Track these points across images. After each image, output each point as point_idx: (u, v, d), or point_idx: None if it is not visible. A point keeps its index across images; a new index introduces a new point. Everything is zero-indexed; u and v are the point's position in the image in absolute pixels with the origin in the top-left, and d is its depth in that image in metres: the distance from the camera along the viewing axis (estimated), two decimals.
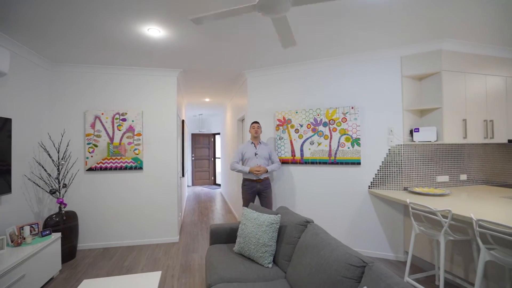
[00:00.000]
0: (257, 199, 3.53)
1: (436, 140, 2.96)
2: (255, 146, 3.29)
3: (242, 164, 3.29)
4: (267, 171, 3.20)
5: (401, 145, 3.13)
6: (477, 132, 3.03)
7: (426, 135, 2.99)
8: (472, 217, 1.86)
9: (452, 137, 2.94)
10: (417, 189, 2.91)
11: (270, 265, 2.12)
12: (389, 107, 3.17)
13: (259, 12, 1.70)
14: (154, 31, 2.54)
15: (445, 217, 2.20)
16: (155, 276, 1.90)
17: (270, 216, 2.25)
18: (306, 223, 2.11)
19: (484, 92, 3.07)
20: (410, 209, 2.44)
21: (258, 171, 3.12)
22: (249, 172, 3.17)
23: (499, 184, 3.43)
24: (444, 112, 2.91)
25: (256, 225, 2.24)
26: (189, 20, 2.31)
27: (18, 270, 2.21)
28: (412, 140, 3.08)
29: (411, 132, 3.12)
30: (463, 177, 3.31)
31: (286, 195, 3.61)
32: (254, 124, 3.31)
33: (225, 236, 2.62)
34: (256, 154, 3.23)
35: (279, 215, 2.27)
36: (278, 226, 2.23)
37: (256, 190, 3.21)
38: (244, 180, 3.26)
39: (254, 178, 3.19)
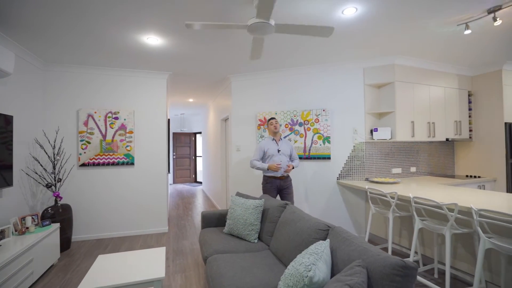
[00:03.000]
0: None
1: (391, 138, 3.58)
2: (276, 142, 3.27)
3: (264, 161, 3.24)
4: (293, 168, 3.20)
5: (363, 142, 3.72)
6: (422, 132, 3.71)
7: (383, 134, 3.60)
8: (410, 196, 2.44)
9: (403, 136, 3.57)
10: (375, 179, 3.50)
11: (256, 241, 2.55)
12: (354, 110, 3.75)
13: (248, 31, 2.13)
14: (152, 39, 2.86)
15: (392, 198, 2.78)
16: (161, 251, 2.25)
17: (255, 201, 2.68)
18: (285, 204, 2.57)
19: (428, 99, 3.75)
20: (368, 193, 3.01)
21: (288, 170, 3.13)
22: (268, 169, 3.14)
23: (440, 174, 4.16)
24: (396, 115, 3.54)
25: (244, 209, 2.66)
26: (185, 30, 2.67)
27: (27, 254, 2.43)
28: (372, 138, 3.68)
29: (371, 132, 3.72)
30: (413, 169, 3.99)
31: None
32: (272, 120, 3.27)
33: (215, 220, 3.01)
34: (279, 150, 3.21)
35: (263, 200, 2.72)
36: (262, 209, 2.67)
37: (278, 187, 3.21)
38: (267, 177, 3.22)
39: (278, 175, 3.17)
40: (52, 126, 3.60)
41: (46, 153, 3.35)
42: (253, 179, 4.12)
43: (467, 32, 2.47)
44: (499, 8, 2.16)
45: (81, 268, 2.89)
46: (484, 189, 3.71)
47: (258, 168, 3.20)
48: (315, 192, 3.86)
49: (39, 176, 3.29)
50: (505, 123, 3.74)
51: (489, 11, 2.23)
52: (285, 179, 3.23)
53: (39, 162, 3.29)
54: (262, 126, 4.06)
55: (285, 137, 3.95)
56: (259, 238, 2.63)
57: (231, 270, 1.91)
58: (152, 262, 2.04)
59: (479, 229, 1.92)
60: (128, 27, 2.57)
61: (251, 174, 4.13)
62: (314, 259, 1.38)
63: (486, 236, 1.95)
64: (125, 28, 2.58)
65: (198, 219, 4.80)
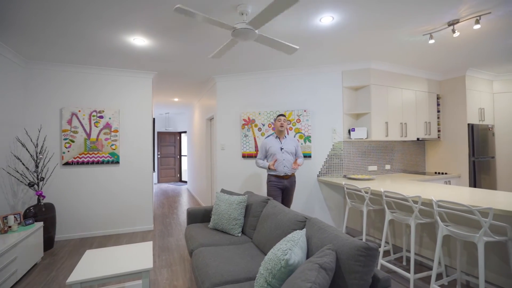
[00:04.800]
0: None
1: (367, 138, 3.83)
2: (280, 140, 3.20)
3: (266, 160, 3.19)
4: (299, 166, 3.13)
5: (341, 141, 3.95)
6: (395, 132, 3.99)
7: (359, 133, 3.84)
8: (382, 190, 2.67)
9: (378, 135, 3.83)
10: (352, 176, 3.73)
11: (239, 234, 2.69)
12: (333, 111, 3.97)
13: (232, 35, 2.26)
14: (139, 40, 2.93)
15: (366, 192, 3.01)
16: (148, 245, 2.33)
17: (239, 197, 2.82)
18: (267, 200, 2.72)
19: (400, 101, 4.04)
20: (345, 189, 3.22)
21: (294, 166, 3.06)
22: (269, 168, 3.08)
23: (412, 171, 4.48)
24: (372, 116, 3.79)
25: (228, 204, 2.79)
26: (171, 31, 2.75)
27: (11, 253, 2.43)
28: (350, 138, 3.92)
29: (349, 131, 3.95)
30: (388, 166, 4.28)
31: (252, 183, 4.21)
32: (280, 117, 3.17)
33: (201, 216, 3.12)
34: (282, 148, 3.13)
35: (246, 195, 2.86)
36: (245, 204, 2.80)
37: (283, 187, 3.12)
38: (270, 176, 3.15)
39: (281, 175, 3.10)
40: (34, 124, 3.56)
41: (28, 152, 3.32)
42: (238, 177, 4.25)
43: (431, 41, 2.73)
44: (457, 21, 2.42)
45: (65, 266, 2.91)
46: (450, 184, 4.04)
47: (261, 167, 3.16)
48: (296, 189, 4.05)
49: (21, 175, 3.26)
50: (468, 124, 4.09)
51: (449, 24, 2.49)
52: (289, 178, 3.14)
53: (21, 161, 3.25)
54: (246, 126, 4.20)
55: (267, 136, 4.09)
56: (243, 231, 2.77)
57: (215, 260, 2.04)
58: (139, 255, 2.13)
59: (438, 218, 2.16)
60: (115, 28, 2.63)
61: (236, 172, 4.26)
62: (291, 245, 1.54)
63: (444, 224, 2.19)
64: (112, 28, 2.64)
65: (183, 217, 4.87)
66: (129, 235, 3.88)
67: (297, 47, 2.54)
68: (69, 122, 3.66)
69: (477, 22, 2.33)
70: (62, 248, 3.40)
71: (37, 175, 3.34)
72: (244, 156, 4.19)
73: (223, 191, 3.19)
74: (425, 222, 2.38)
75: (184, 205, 5.95)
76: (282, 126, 3.16)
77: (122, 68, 3.92)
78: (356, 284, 1.33)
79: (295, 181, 3.25)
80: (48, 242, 3.34)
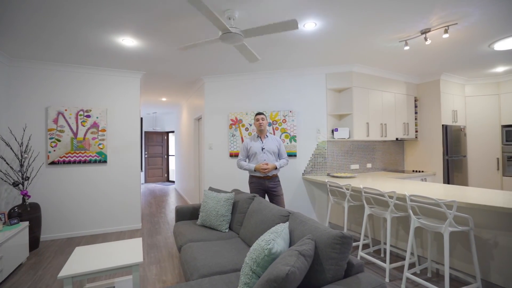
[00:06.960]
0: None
1: (349, 137, 4.01)
2: (261, 140, 3.10)
3: (249, 160, 3.10)
4: (275, 168, 2.97)
5: (325, 141, 4.12)
6: (376, 132, 4.20)
7: (342, 133, 4.02)
8: (361, 186, 2.84)
9: (359, 135, 4.03)
10: (336, 174, 3.91)
11: (226, 230, 2.79)
12: (317, 111, 4.13)
13: (222, 42, 2.37)
14: (127, 41, 2.97)
15: (347, 189, 3.18)
16: (138, 241, 2.39)
17: (226, 194, 2.91)
18: (253, 197, 2.84)
19: (381, 103, 4.26)
20: (328, 186, 3.39)
21: (265, 169, 2.90)
22: (255, 170, 2.99)
23: (392, 170, 4.72)
24: (354, 116, 3.98)
25: (216, 201, 2.88)
26: (160, 32, 2.81)
27: None
28: (333, 138, 4.09)
29: (332, 131, 4.13)
30: (369, 165, 4.49)
31: (239, 181, 4.31)
32: (257, 116, 3.07)
33: (189, 214, 3.20)
34: (263, 148, 3.03)
35: (233, 193, 2.96)
36: (232, 201, 2.91)
37: (265, 188, 3.04)
38: (251, 177, 3.08)
39: (262, 175, 3.00)
40: (19, 123, 3.52)
41: (13, 151, 3.28)
42: (225, 175, 4.34)
43: (406, 48, 2.93)
44: (428, 30, 2.63)
45: (52, 265, 2.91)
46: (426, 181, 4.29)
47: (245, 169, 3.06)
48: (282, 187, 4.18)
49: (5, 174, 3.22)
50: (442, 125, 4.37)
51: (422, 32, 2.69)
52: (271, 179, 3.03)
53: (4, 160, 3.21)
54: (233, 126, 4.30)
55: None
56: (230, 227, 2.87)
57: (203, 254, 2.14)
58: (129, 250, 2.18)
59: (410, 211, 2.34)
60: (104, 28, 2.67)
61: (224, 171, 4.35)
62: (274, 236, 1.65)
63: (416, 217, 2.38)
64: (101, 28, 2.67)
65: (171, 216, 4.91)
66: (116, 234, 3.89)
67: (260, 58, 2.75)
68: (55, 121, 3.64)
69: (446, 31, 2.54)
70: (48, 248, 3.38)
71: (22, 175, 3.31)
72: (231, 155, 4.29)
73: (211, 189, 3.28)
74: (399, 215, 2.57)
75: (172, 204, 5.97)
76: (261, 126, 3.05)
77: (110, 68, 3.93)
78: (332, 269, 1.47)
79: (279, 182, 3.10)
80: (34, 242, 3.32)
